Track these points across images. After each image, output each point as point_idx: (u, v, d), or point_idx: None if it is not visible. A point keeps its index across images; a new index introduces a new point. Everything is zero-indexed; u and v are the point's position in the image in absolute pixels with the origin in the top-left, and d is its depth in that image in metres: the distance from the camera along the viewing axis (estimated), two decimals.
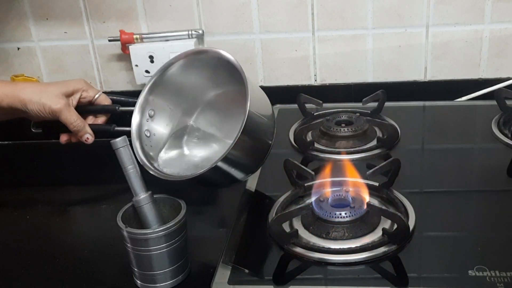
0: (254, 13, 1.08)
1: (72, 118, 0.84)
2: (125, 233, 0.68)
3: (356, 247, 0.70)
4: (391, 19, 1.06)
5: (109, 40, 1.09)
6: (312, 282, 0.68)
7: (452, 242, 0.73)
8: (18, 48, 1.15)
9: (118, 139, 0.70)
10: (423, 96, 1.10)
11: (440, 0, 1.04)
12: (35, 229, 0.89)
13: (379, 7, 1.05)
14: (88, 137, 0.86)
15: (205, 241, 0.81)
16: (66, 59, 1.15)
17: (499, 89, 1.05)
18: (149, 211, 0.71)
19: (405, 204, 0.77)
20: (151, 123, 0.85)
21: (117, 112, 0.90)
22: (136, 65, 1.09)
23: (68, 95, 0.86)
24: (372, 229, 0.73)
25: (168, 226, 0.68)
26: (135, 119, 0.84)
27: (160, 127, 0.87)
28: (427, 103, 1.09)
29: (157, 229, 0.67)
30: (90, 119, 0.91)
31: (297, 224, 0.76)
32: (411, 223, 0.73)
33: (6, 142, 1.20)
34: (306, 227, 0.75)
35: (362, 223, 0.73)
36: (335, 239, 0.72)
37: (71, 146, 1.16)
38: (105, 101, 0.90)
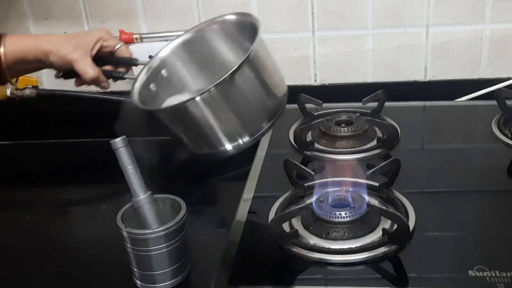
0: (254, 13, 1.07)
1: (85, 69, 0.83)
2: (124, 233, 0.68)
3: (356, 247, 0.70)
4: (391, 19, 1.06)
5: None
6: (312, 282, 0.68)
7: (452, 242, 0.73)
8: None
9: (118, 139, 0.70)
10: (423, 96, 1.10)
11: (440, 0, 1.04)
12: (35, 229, 0.89)
13: (379, 7, 1.05)
14: (105, 85, 0.86)
15: (205, 241, 0.81)
16: None
17: (499, 89, 1.05)
18: (148, 211, 0.71)
19: (405, 204, 0.77)
20: (160, 81, 0.83)
21: (135, 65, 0.88)
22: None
23: (88, 45, 0.85)
24: (372, 229, 0.73)
25: (167, 226, 0.68)
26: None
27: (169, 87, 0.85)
28: (427, 103, 1.09)
29: (157, 229, 0.67)
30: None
31: (297, 224, 0.76)
32: (411, 223, 0.73)
33: (6, 142, 1.20)
34: (306, 227, 0.75)
35: (362, 223, 0.73)
36: (335, 239, 0.72)
37: (71, 146, 1.16)
38: (126, 53, 0.89)
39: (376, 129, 0.99)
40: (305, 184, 0.82)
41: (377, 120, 0.98)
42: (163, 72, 0.82)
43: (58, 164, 1.11)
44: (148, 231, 0.67)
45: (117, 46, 0.88)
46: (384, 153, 0.93)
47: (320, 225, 0.74)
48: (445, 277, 0.66)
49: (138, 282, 0.72)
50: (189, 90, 0.84)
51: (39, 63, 0.84)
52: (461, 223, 0.76)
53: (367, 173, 0.78)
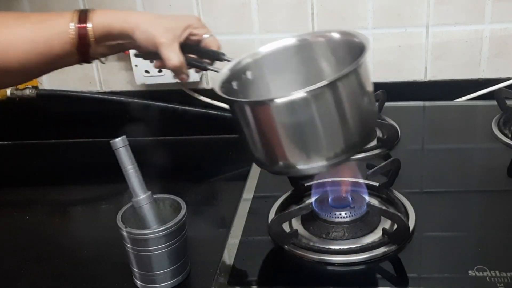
0: (254, 13, 1.07)
1: (171, 55, 0.76)
2: (124, 233, 0.68)
3: (356, 247, 0.70)
4: (391, 19, 1.06)
5: None
6: (312, 282, 0.68)
7: (452, 242, 0.73)
8: None
9: (118, 139, 0.70)
10: (423, 96, 1.10)
11: (440, 0, 1.04)
12: (35, 229, 0.89)
13: (379, 7, 1.05)
14: (184, 77, 0.80)
15: (205, 241, 0.81)
16: None
17: (499, 89, 1.05)
18: (148, 211, 0.71)
19: (405, 204, 0.77)
20: (244, 82, 0.77)
21: (220, 60, 0.81)
22: (136, 65, 1.09)
23: (178, 30, 0.78)
24: (372, 230, 0.73)
25: (167, 226, 0.68)
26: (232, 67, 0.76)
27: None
28: (427, 103, 1.09)
29: (157, 229, 0.67)
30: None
31: (297, 224, 0.76)
32: (411, 223, 0.73)
33: (6, 142, 1.20)
34: (306, 227, 0.75)
35: (362, 223, 0.73)
36: (335, 239, 0.72)
37: (71, 146, 1.16)
38: (214, 44, 0.81)
39: (376, 129, 0.99)
40: (305, 184, 0.82)
41: (377, 120, 0.97)
42: (249, 73, 0.77)
43: (58, 164, 1.11)
44: (148, 231, 0.67)
45: (205, 36, 0.81)
46: (384, 153, 0.93)
47: (320, 225, 0.74)
48: (445, 277, 0.66)
49: (138, 282, 0.72)
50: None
51: (124, 39, 0.77)
52: (461, 223, 0.76)
53: (367, 173, 0.78)
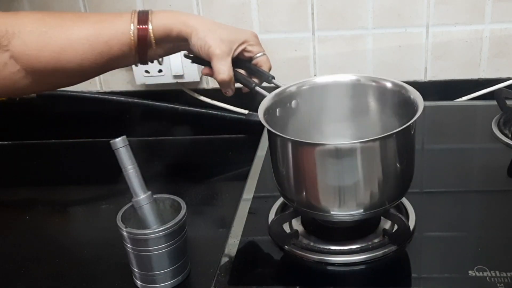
0: (254, 13, 1.07)
1: (222, 69, 0.75)
2: (124, 233, 0.68)
3: (356, 248, 0.70)
4: (391, 19, 1.06)
5: None
6: (312, 283, 0.68)
7: (452, 242, 0.73)
8: None
9: (118, 139, 0.70)
10: (423, 96, 1.09)
11: (440, 0, 1.04)
12: (35, 229, 0.89)
13: (379, 7, 1.05)
14: (229, 92, 0.78)
15: (205, 241, 0.81)
16: None
17: (499, 89, 1.05)
18: (148, 211, 0.71)
19: (405, 204, 0.77)
20: (287, 110, 0.78)
21: (269, 82, 0.80)
22: (136, 65, 1.09)
23: (234, 44, 0.77)
24: (372, 230, 0.73)
25: (168, 226, 0.68)
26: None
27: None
28: (427, 103, 1.08)
29: (157, 229, 0.67)
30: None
31: (297, 224, 0.76)
32: (411, 224, 0.73)
33: (6, 142, 1.20)
34: (306, 227, 0.75)
35: (362, 224, 0.73)
36: (335, 239, 0.72)
37: (71, 146, 1.16)
38: (266, 64, 0.80)
39: None
40: None
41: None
42: (294, 102, 0.77)
43: (58, 164, 1.11)
44: (148, 231, 0.67)
45: (259, 54, 0.80)
46: None
47: (320, 226, 0.74)
48: (445, 277, 0.66)
49: (138, 282, 0.72)
50: (312, 132, 0.79)
51: (180, 42, 0.76)
52: (461, 223, 0.76)
53: None
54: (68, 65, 0.70)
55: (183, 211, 0.70)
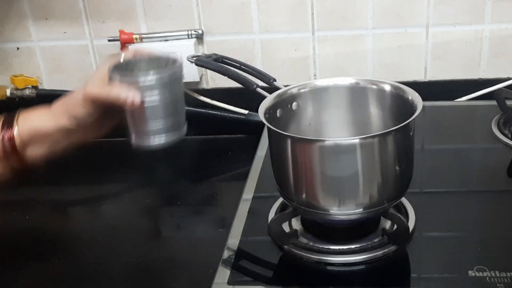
0: (254, 13, 1.08)
1: (99, 92, 0.68)
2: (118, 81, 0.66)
3: (355, 247, 0.70)
4: (391, 19, 1.06)
5: (109, 40, 1.09)
6: (312, 282, 0.68)
7: (452, 242, 0.73)
8: (18, 48, 1.15)
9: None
10: (423, 96, 1.09)
11: (440, 0, 1.04)
12: (35, 229, 0.89)
13: (379, 7, 1.05)
14: (127, 98, 0.67)
15: (205, 241, 0.81)
16: (66, 59, 1.15)
17: (499, 89, 1.05)
18: (143, 66, 0.69)
19: (405, 204, 0.77)
20: (287, 111, 0.78)
21: (270, 84, 0.81)
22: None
23: (95, 77, 0.71)
24: (372, 230, 0.73)
25: (163, 75, 0.66)
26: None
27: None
28: (427, 103, 1.08)
29: (152, 77, 0.66)
30: None
31: (297, 224, 0.76)
32: (411, 224, 0.73)
33: None
34: (306, 227, 0.75)
35: (362, 224, 0.73)
36: (334, 239, 0.72)
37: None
38: None
39: None
40: None
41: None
42: (294, 104, 0.78)
43: (58, 164, 1.11)
44: (143, 79, 0.66)
45: None
46: None
47: (320, 225, 0.74)
48: (445, 278, 0.66)
49: (133, 137, 0.70)
50: (312, 133, 0.79)
51: (65, 132, 0.71)
52: (461, 223, 0.76)
53: None
54: None
55: (179, 62, 0.68)
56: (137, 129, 0.70)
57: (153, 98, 0.67)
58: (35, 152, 0.70)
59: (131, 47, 1.08)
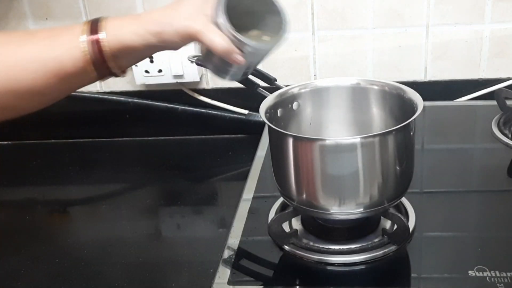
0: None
1: (212, 38, 0.64)
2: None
3: (356, 247, 0.70)
4: (391, 19, 1.06)
5: None
6: (312, 282, 0.68)
7: (452, 242, 0.73)
8: None
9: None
10: (423, 96, 1.09)
11: (440, 0, 1.04)
12: (35, 229, 0.89)
13: (379, 7, 1.05)
14: (237, 57, 0.65)
15: (205, 241, 0.81)
16: None
17: (499, 89, 1.05)
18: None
19: (405, 204, 0.77)
20: (288, 111, 0.78)
21: (271, 84, 0.80)
22: (136, 65, 1.09)
23: (205, 8, 0.65)
24: (372, 230, 0.73)
25: (268, 47, 0.65)
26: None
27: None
28: (427, 103, 1.08)
29: (260, 46, 0.64)
30: None
31: (297, 224, 0.76)
32: (411, 224, 0.73)
33: (6, 142, 1.20)
34: (306, 227, 0.75)
35: (362, 224, 0.73)
36: (335, 239, 0.72)
37: (71, 146, 1.16)
38: None
39: None
40: None
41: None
42: (295, 104, 0.78)
43: (58, 164, 1.11)
44: (251, 46, 0.63)
45: None
46: None
47: (320, 225, 0.74)
48: (445, 278, 0.66)
49: (210, 68, 0.70)
50: (312, 133, 0.79)
51: (151, 49, 0.67)
52: (461, 223, 0.76)
53: None
54: (19, 85, 0.63)
55: (284, 24, 0.65)
56: (216, 67, 0.69)
57: (250, 61, 0.66)
58: (120, 62, 0.66)
59: None
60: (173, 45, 0.66)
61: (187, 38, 0.64)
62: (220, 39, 0.63)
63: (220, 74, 0.71)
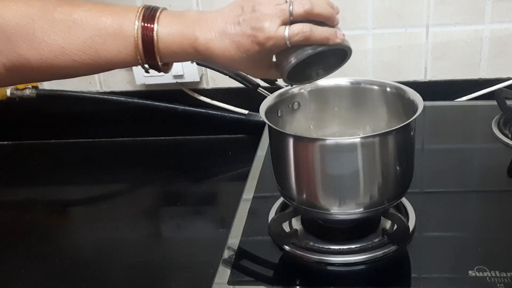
0: None
1: (274, 75, 0.64)
2: None
3: (356, 247, 0.70)
4: (391, 19, 1.06)
5: None
6: (312, 282, 0.68)
7: (452, 242, 0.73)
8: None
9: None
10: (423, 96, 1.09)
11: (440, 0, 1.04)
12: (35, 229, 0.89)
13: (379, 7, 1.05)
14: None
15: (205, 241, 0.81)
16: None
17: (499, 89, 1.05)
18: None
19: (405, 204, 0.77)
20: (288, 111, 0.77)
21: (272, 84, 0.80)
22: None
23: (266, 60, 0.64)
24: (372, 230, 0.73)
25: None
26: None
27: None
28: (427, 103, 1.08)
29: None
30: None
31: (297, 224, 0.76)
32: (411, 224, 0.73)
33: (6, 142, 1.20)
34: (306, 227, 0.75)
35: (362, 224, 0.73)
36: (334, 239, 0.72)
37: (71, 146, 1.16)
38: None
39: None
40: None
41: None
42: (296, 104, 0.78)
43: (58, 164, 1.11)
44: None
45: None
46: None
47: (320, 225, 0.74)
48: (445, 278, 0.66)
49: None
50: (312, 133, 0.79)
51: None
52: (461, 223, 0.76)
53: None
54: (61, 66, 0.61)
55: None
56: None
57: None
58: (165, 59, 0.63)
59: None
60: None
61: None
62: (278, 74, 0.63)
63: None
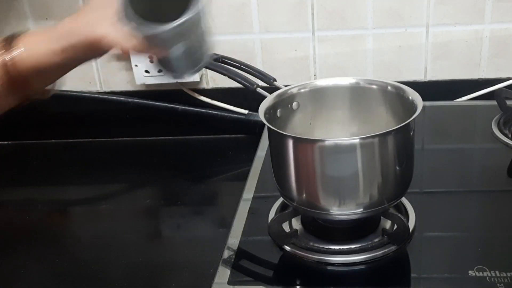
0: (254, 13, 1.07)
1: (116, 38, 0.58)
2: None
3: (355, 247, 0.70)
4: (391, 19, 1.06)
5: None
6: (312, 282, 0.68)
7: (452, 242, 0.73)
8: None
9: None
10: (423, 96, 1.09)
11: (440, 0, 1.04)
12: (35, 229, 0.89)
13: (379, 7, 1.05)
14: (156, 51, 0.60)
15: (205, 241, 0.81)
16: None
17: (499, 89, 1.05)
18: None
19: (405, 204, 0.77)
20: (287, 111, 0.77)
21: (270, 84, 0.80)
22: (136, 65, 1.09)
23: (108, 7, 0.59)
24: (372, 230, 0.73)
25: (182, 22, 0.58)
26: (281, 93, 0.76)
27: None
28: (427, 103, 1.08)
29: (169, 28, 0.57)
30: None
31: (297, 224, 0.76)
32: (411, 224, 0.73)
33: (6, 142, 1.20)
34: (306, 227, 0.75)
35: (362, 224, 0.73)
36: (334, 239, 0.72)
37: (71, 146, 1.16)
38: None
39: None
40: None
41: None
42: (295, 104, 0.78)
43: (58, 164, 1.11)
44: (161, 30, 0.57)
45: None
46: None
47: (320, 225, 0.74)
48: (445, 278, 0.66)
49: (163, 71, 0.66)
50: (312, 133, 0.79)
51: (71, 63, 0.62)
52: (461, 223, 0.76)
53: None
54: None
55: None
56: (163, 66, 0.64)
57: (174, 47, 0.60)
58: (38, 84, 0.62)
59: None
60: (93, 56, 0.60)
61: (99, 47, 0.58)
62: (135, 42, 0.57)
63: (171, 73, 0.65)
